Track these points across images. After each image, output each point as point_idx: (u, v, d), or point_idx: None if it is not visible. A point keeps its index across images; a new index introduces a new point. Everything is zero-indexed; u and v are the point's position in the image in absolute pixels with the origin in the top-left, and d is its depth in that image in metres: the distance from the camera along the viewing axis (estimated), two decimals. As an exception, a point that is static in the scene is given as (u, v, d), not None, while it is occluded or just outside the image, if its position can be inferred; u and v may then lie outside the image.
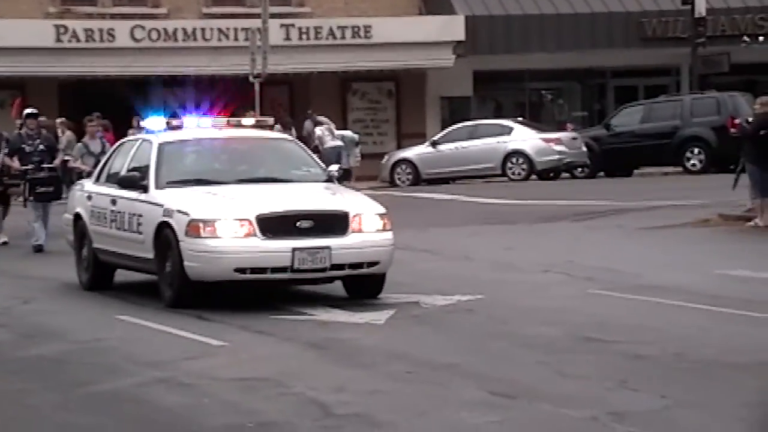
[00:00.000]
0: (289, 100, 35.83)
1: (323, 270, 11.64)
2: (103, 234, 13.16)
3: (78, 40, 33.07)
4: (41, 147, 17.74)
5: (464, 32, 34.88)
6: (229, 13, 34.84)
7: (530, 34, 35.71)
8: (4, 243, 18.03)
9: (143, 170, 12.67)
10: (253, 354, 9.83)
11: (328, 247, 11.59)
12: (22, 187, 17.73)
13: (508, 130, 31.69)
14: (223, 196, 11.98)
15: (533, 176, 31.15)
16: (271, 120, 14.66)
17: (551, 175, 31.26)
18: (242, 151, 13.28)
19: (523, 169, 31.09)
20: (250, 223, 11.52)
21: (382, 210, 12.04)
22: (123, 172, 13.05)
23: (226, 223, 11.54)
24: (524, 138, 31.51)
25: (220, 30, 33.95)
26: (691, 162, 30.87)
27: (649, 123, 31.62)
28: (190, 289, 11.71)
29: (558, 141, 31.40)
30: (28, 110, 18.20)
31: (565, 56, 35.73)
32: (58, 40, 32.90)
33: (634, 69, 36.87)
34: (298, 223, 11.60)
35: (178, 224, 11.70)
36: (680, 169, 30.95)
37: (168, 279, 11.90)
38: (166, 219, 11.88)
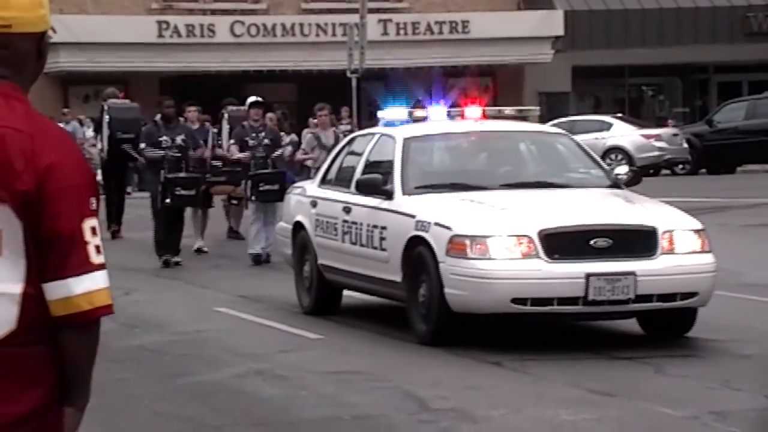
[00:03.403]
0: (385, 95, 35.85)
1: (625, 302, 9.08)
2: (332, 248, 10.81)
3: (179, 36, 33.50)
4: (266, 141, 15.33)
5: (563, 27, 34.60)
6: (328, 8, 34.99)
7: (630, 28, 35.30)
8: (200, 250, 15.94)
9: (385, 172, 10.32)
10: (349, 347, 9.84)
11: (632, 273, 9.05)
12: (243, 186, 15.46)
13: (608, 126, 31.36)
14: (492, 206, 9.58)
15: (633, 172, 30.73)
16: (537, 109, 12.35)
17: (651, 171, 30.89)
18: (504, 148, 10.81)
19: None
20: (531, 240, 9.09)
21: (699, 225, 9.52)
22: (358, 174, 10.67)
23: (501, 240, 9.11)
24: (624, 134, 31.15)
25: (318, 25, 34.12)
26: (796, 159, 30.26)
27: (753, 119, 31.05)
28: (451, 321, 9.35)
29: (658, 137, 31.00)
30: (252, 98, 15.74)
31: (667, 51, 35.25)
32: (160, 35, 33.36)
33: (738, 64, 36.25)
34: (592, 242, 9.13)
35: (437, 240, 9.30)
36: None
37: (422, 309, 9.51)
38: (419, 233, 9.49)
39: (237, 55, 33.24)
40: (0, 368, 2.86)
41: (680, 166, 31.58)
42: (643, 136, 31.05)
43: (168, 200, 14.77)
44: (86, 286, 2.87)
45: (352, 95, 29.84)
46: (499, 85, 36.39)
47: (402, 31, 34.61)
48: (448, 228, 9.29)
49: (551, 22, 34.73)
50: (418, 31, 34.62)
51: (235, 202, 16.72)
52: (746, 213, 19.83)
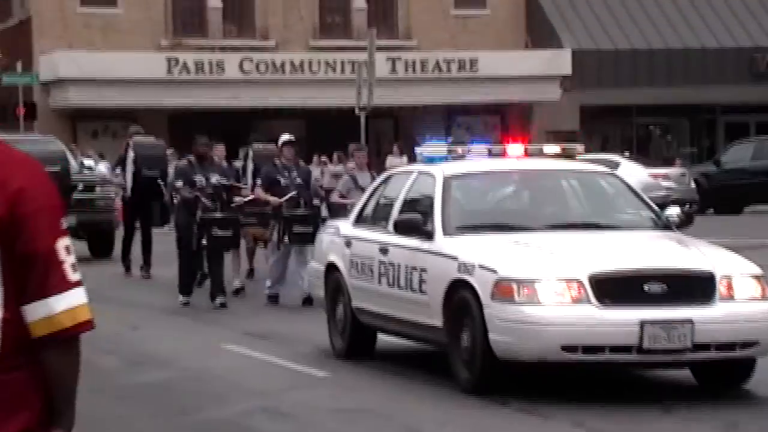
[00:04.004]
0: (394, 133, 35.95)
1: (682, 351, 8.59)
2: (368, 291, 10.34)
3: (188, 72, 33.65)
4: (298, 180, 14.56)
5: (571, 66, 34.69)
6: (336, 46, 35.14)
7: (639, 68, 35.39)
8: (238, 290, 15.14)
9: (424, 211, 9.87)
10: (356, 385, 9.80)
11: (689, 321, 8.56)
12: (271, 227, 14.59)
13: (615, 165, 31.28)
14: (539, 248, 9.12)
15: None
16: (580, 147, 11.69)
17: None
18: (549, 187, 10.35)
19: (629, 205, 30.75)
20: (581, 285, 8.61)
21: (758, 270, 9.07)
22: (395, 213, 10.23)
23: (550, 284, 8.64)
24: (631, 173, 31.07)
25: (327, 63, 34.26)
26: (804, 200, 30.22)
27: (760, 160, 31.06)
28: (497, 369, 8.87)
29: (666, 177, 31.00)
30: (285, 137, 15.00)
31: (674, 91, 35.32)
32: (169, 72, 33.50)
33: (746, 105, 36.30)
34: (646, 287, 8.66)
35: (481, 284, 8.84)
36: (792, 206, 30.33)
37: (464, 355, 9.03)
38: (462, 276, 9.02)
39: (246, 92, 33.36)
40: None
41: (688, 205, 31.55)
42: (651, 175, 31.03)
43: (204, 241, 14.16)
44: (67, 304, 2.94)
45: (361, 132, 29.93)
46: (508, 123, 36.46)
47: (410, 69, 34.73)
48: (493, 271, 8.81)
49: (559, 61, 34.83)
50: (427, 69, 34.74)
51: (261, 244, 15.96)
52: (755, 254, 19.77)
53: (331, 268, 10.95)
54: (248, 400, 9.19)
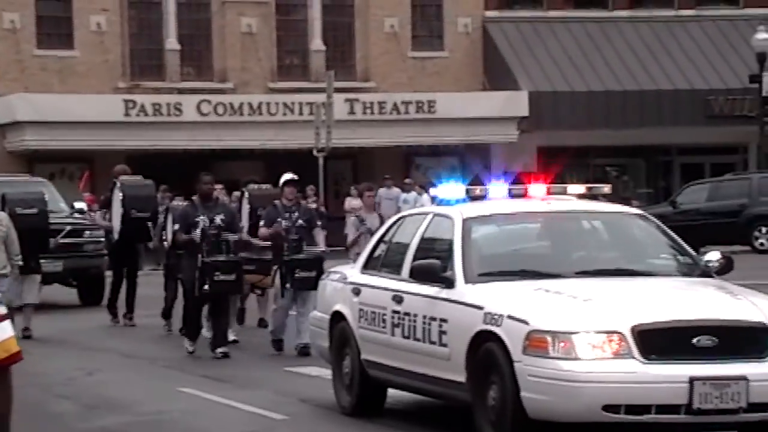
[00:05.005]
0: (352, 174, 36.00)
1: (735, 411, 7.87)
2: (379, 342, 9.55)
3: (146, 114, 33.57)
4: (300, 221, 13.79)
5: (528, 108, 34.93)
6: (294, 87, 35.21)
7: (595, 110, 35.68)
8: (234, 341, 14.37)
9: (441, 256, 9.12)
10: (314, 428, 9.74)
11: (743, 378, 7.83)
12: (273, 273, 13.78)
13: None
14: (572, 296, 8.32)
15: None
16: (607, 187, 10.70)
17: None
18: (576, 230, 9.63)
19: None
20: (622, 337, 7.85)
21: None
22: (409, 258, 9.44)
23: (588, 337, 7.86)
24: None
25: (285, 104, 34.30)
26: (759, 241, 30.47)
27: (715, 201, 31.33)
28: (529, 430, 8.09)
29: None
30: (287, 176, 14.20)
31: (630, 133, 35.62)
32: (127, 114, 33.41)
33: (701, 147, 36.66)
34: (695, 340, 7.89)
35: (511, 336, 8.08)
36: (748, 248, 30.58)
37: (491, 415, 8.24)
38: (488, 327, 8.27)
39: (204, 133, 33.33)
40: None
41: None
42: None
43: (206, 286, 13.25)
44: None
45: (319, 174, 29.92)
46: (466, 164, 36.61)
47: (369, 111, 34.85)
48: (524, 322, 8.01)
49: (516, 103, 35.08)
50: (385, 111, 34.87)
51: (258, 292, 15.19)
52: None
53: (337, 317, 10.14)
54: (205, 444, 9.11)
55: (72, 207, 20.84)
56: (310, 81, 35.32)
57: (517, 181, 10.45)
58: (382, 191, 31.78)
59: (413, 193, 30.82)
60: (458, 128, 34.52)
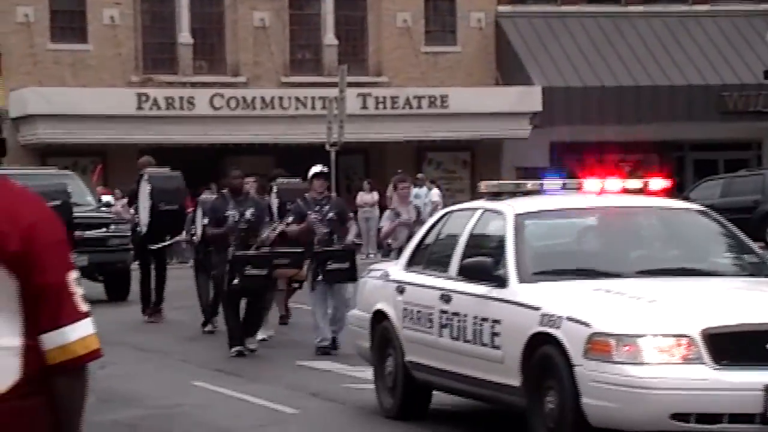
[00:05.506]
0: (364, 169, 35.99)
1: None
2: (425, 343, 9.18)
3: (158, 108, 33.60)
4: (331, 215, 13.44)
5: (541, 103, 34.86)
6: (307, 82, 35.20)
7: (608, 105, 35.60)
8: (264, 339, 14.02)
9: (491, 254, 8.74)
10: (326, 422, 9.74)
11: None
12: (307, 267, 13.40)
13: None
14: (635, 297, 7.93)
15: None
16: (666, 181, 9.96)
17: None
18: (634, 227, 9.24)
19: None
20: (692, 341, 7.43)
21: None
22: (457, 255, 9.05)
23: (655, 341, 7.45)
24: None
25: (297, 99, 34.29)
26: (773, 237, 30.41)
27: (729, 197, 31.26)
28: None
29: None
30: (316, 168, 13.86)
31: (644, 128, 35.53)
32: (140, 107, 33.44)
33: (714, 143, 36.55)
34: None
35: (571, 339, 7.66)
36: (762, 243, 30.50)
37: (549, 422, 7.85)
38: (546, 330, 7.86)
39: (216, 127, 33.34)
40: (10, 419, 3.07)
41: (657, 242, 31.69)
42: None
43: (236, 281, 12.93)
44: (80, 333, 3.13)
45: (331, 168, 29.91)
46: (477, 159, 36.57)
47: (381, 105, 34.81)
48: (585, 324, 7.59)
49: (529, 98, 35.01)
50: (397, 105, 34.83)
51: (296, 285, 14.68)
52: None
53: (379, 316, 9.73)
54: (218, 437, 9.12)
55: (99, 200, 20.39)
56: (323, 75, 35.30)
57: (571, 175, 10.08)
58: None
59: (425, 188, 30.81)
60: (470, 123, 34.47)
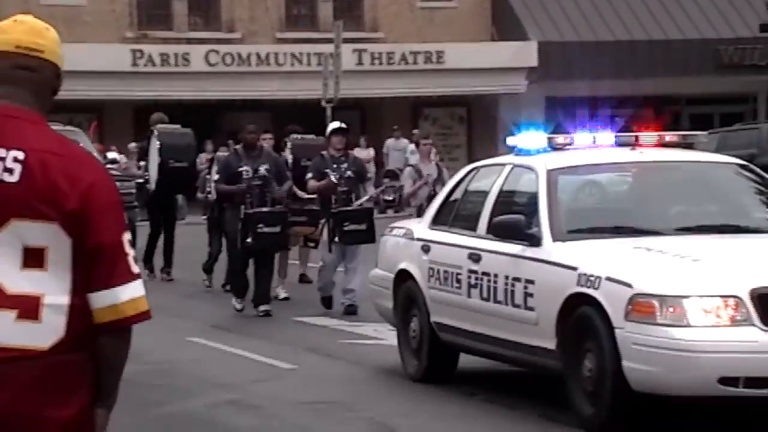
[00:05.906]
0: (360, 125, 35.96)
1: None
2: (453, 304, 8.81)
3: (153, 65, 33.51)
4: (349, 173, 12.98)
5: (537, 58, 34.79)
6: (302, 38, 35.09)
7: (604, 60, 35.52)
8: (285, 299, 13.85)
9: (523, 211, 8.36)
10: (322, 377, 9.82)
11: None
12: (321, 226, 13.02)
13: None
14: (679, 256, 7.54)
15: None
16: (705, 134, 9.80)
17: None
18: (673, 182, 8.79)
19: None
20: (740, 302, 7.07)
21: None
22: (486, 213, 8.67)
23: (701, 302, 7.08)
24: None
25: (293, 55, 34.20)
26: None
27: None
28: (631, 403, 7.29)
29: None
30: (335, 124, 13.59)
31: (639, 83, 35.48)
32: (134, 64, 33.35)
33: (710, 96, 36.52)
34: None
35: (611, 300, 7.28)
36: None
37: (588, 386, 7.46)
38: (584, 290, 7.46)
39: (212, 84, 33.26)
40: (51, 375, 3.12)
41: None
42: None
43: (249, 239, 12.48)
44: (131, 294, 3.19)
45: (326, 124, 29.83)
46: (473, 115, 36.54)
47: (377, 61, 34.72)
48: (627, 285, 7.22)
49: (525, 53, 34.93)
50: (393, 61, 34.74)
51: (312, 244, 14.18)
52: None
53: (403, 275, 9.36)
54: (214, 392, 9.20)
55: (105, 157, 19.94)
56: (318, 31, 35.18)
57: (625, 129, 9.53)
58: (389, 142, 31.79)
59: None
60: (466, 79, 34.40)
